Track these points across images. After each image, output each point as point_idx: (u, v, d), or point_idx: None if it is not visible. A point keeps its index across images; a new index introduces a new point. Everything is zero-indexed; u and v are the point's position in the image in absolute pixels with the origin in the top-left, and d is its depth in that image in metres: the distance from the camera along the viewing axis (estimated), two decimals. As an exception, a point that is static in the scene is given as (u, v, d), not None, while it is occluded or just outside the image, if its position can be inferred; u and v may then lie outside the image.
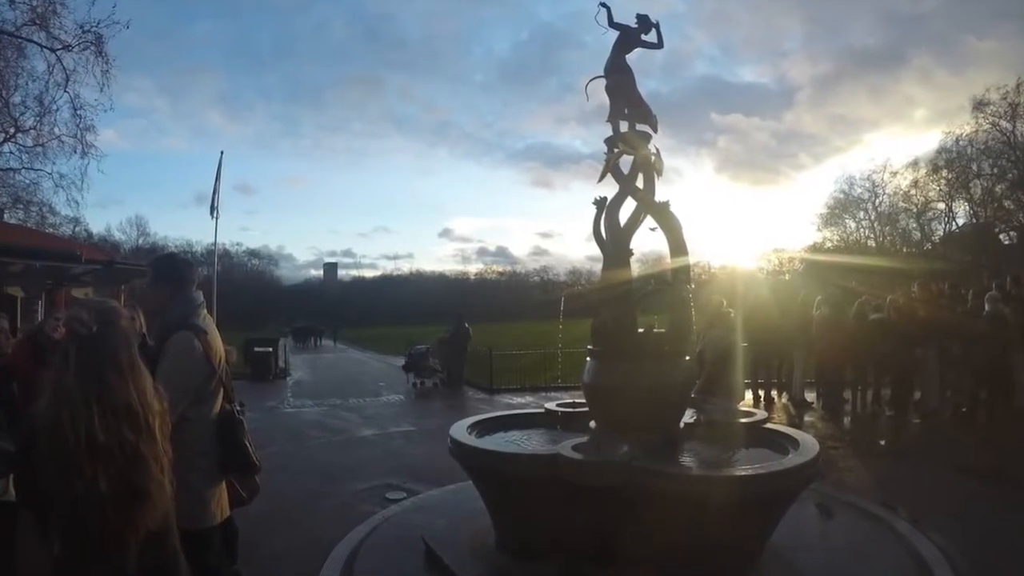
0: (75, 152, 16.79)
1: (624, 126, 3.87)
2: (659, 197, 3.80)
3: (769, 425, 3.97)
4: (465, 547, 3.51)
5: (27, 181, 17.93)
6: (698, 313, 4.34)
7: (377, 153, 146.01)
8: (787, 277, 31.33)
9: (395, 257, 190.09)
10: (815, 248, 32.53)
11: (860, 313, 8.56)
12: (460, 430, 3.65)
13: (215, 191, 15.59)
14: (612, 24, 3.91)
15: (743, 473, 3.05)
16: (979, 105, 26.53)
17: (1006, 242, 27.42)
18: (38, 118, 16.74)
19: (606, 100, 3.92)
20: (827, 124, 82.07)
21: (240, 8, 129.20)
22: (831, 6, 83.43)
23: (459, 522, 3.85)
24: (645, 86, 4.01)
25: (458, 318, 13.36)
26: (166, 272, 2.59)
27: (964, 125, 27.30)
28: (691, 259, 3.81)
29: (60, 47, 15.67)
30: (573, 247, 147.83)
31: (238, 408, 2.58)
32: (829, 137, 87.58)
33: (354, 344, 32.24)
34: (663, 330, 3.73)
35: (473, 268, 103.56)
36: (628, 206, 3.86)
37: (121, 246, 53.32)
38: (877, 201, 32.26)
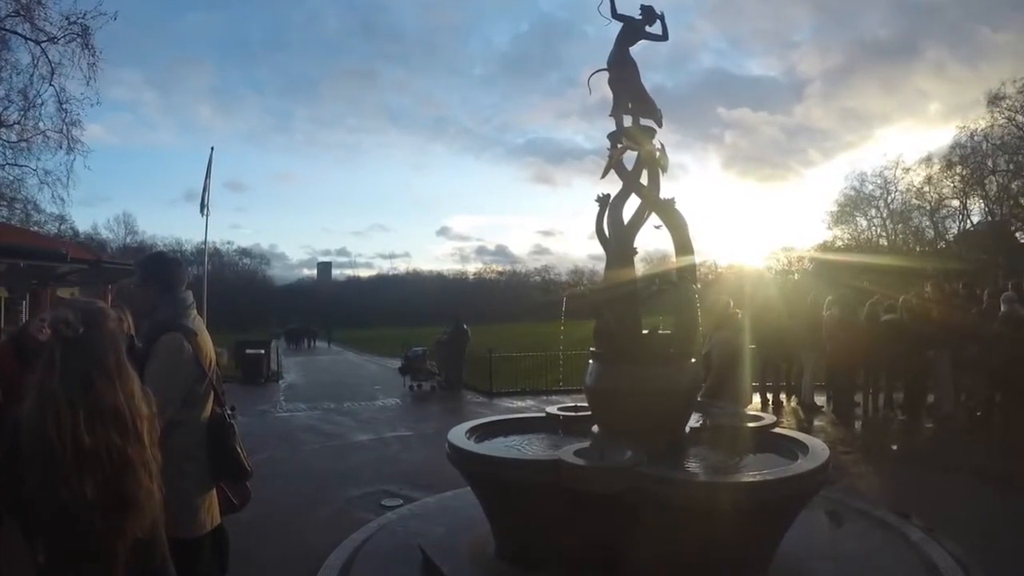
0: (60, 147, 16.60)
1: (628, 121, 3.81)
2: (664, 194, 3.74)
3: (777, 430, 3.91)
4: (464, 555, 3.46)
5: (11, 177, 17.81)
6: (704, 314, 4.27)
7: (372, 149, 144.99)
8: (796, 277, 31.22)
9: (391, 256, 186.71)
10: (825, 247, 32.33)
11: (872, 314, 8.47)
12: (459, 435, 3.60)
13: (205, 188, 15.45)
14: (615, 15, 3.85)
15: (751, 479, 2.99)
16: (994, 99, 26.11)
17: (1022, 240, 27.04)
18: (22, 112, 16.60)
19: (609, 94, 3.86)
20: (837, 118, 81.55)
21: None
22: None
23: (457, 530, 3.80)
24: (649, 79, 3.96)
25: (456, 319, 13.32)
26: (154, 272, 2.56)
27: (979, 120, 26.93)
28: (697, 258, 3.77)
29: (45, 39, 15.54)
30: (575, 246, 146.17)
31: (229, 412, 2.56)
32: (840, 132, 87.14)
33: (349, 346, 32.26)
34: (668, 331, 3.68)
35: (472, 267, 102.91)
36: (632, 203, 3.79)
37: (108, 245, 53.33)
38: (889, 198, 32.00)
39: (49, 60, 15.74)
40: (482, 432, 3.84)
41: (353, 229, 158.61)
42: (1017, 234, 27.21)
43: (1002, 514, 4.42)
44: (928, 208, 30.16)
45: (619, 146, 3.77)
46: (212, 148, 15.84)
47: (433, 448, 5.80)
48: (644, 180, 3.77)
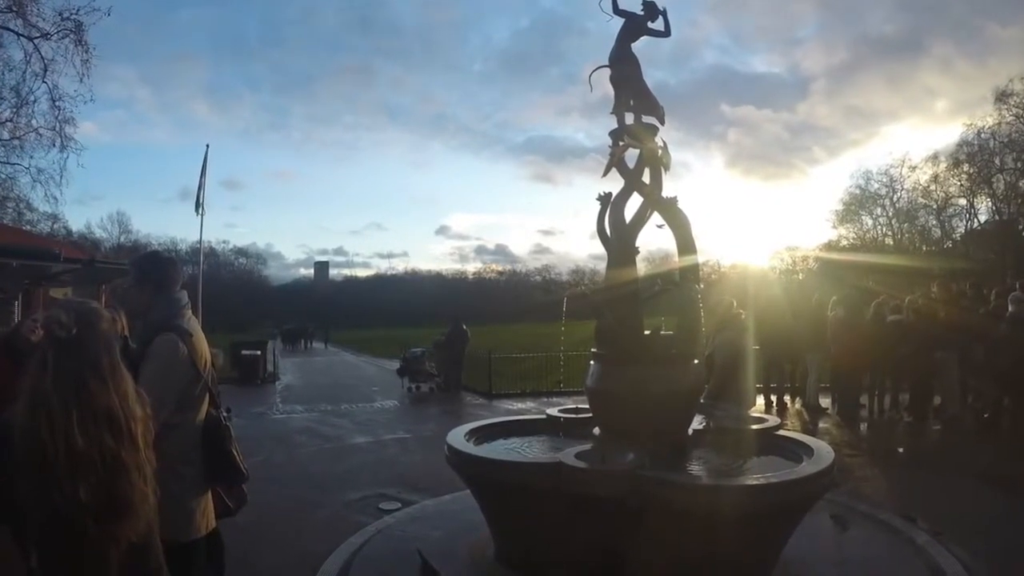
0: (53, 145, 16.44)
1: (630, 118, 3.79)
2: (666, 192, 3.72)
3: (782, 432, 3.88)
4: (463, 560, 3.44)
5: (3, 176, 17.69)
6: (707, 314, 4.24)
7: (370, 146, 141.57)
8: (801, 277, 31.17)
9: (389, 255, 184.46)
10: (830, 246, 32.23)
11: (877, 314, 8.41)
12: (458, 437, 3.58)
13: (200, 186, 15.13)
14: (617, 11, 3.83)
15: (755, 483, 2.98)
16: (1002, 96, 25.86)
17: (1030, 239, 26.83)
18: (15, 110, 16.46)
19: (611, 91, 3.84)
20: (843, 116, 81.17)
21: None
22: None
23: (456, 534, 3.78)
24: (652, 76, 3.94)
25: (455, 320, 13.26)
26: (149, 271, 2.52)
27: (986, 117, 26.66)
28: (700, 258, 3.77)
29: (38, 35, 15.43)
30: (576, 245, 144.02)
31: (225, 414, 2.52)
32: (845, 130, 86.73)
33: (346, 347, 32.06)
34: (671, 332, 3.66)
35: (471, 267, 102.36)
36: (634, 202, 3.77)
37: (102, 244, 52.24)
38: (895, 197, 31.77)
39: (42, 57, 15.68)
40: (482, 434, 3.82)
41: (350, 228, 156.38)
42: (1025, 233, 27.02)
43: (1010, 518, 4.36)
44: (935, 207, 29.97)
45: (621, 144, 3.75)
46: (207, 146, 15.57)
47: (432, 451, 5.75)
48: (646, 178, 3.74)
